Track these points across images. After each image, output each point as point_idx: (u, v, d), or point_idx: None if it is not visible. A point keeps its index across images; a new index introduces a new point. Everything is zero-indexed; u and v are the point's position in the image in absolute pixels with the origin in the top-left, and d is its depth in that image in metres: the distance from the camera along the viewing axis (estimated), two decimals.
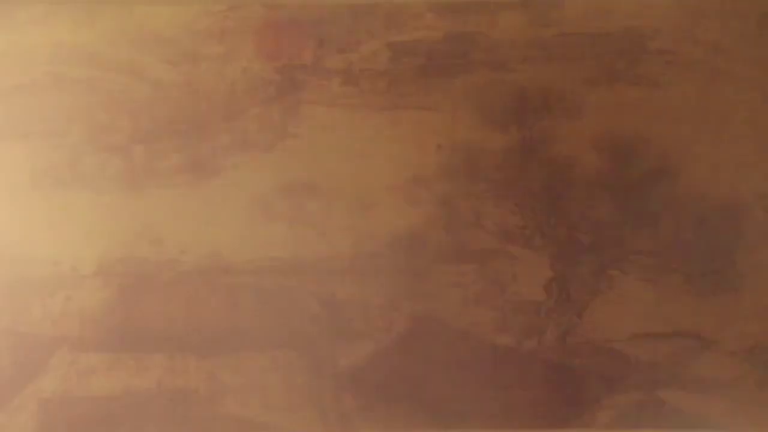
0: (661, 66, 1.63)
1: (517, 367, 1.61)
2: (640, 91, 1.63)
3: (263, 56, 1.66)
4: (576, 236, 1.62)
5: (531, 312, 1.62)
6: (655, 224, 1.62)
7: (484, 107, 1.64)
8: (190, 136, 1.65)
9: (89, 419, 1.61)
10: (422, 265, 1.63)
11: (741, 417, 1.60)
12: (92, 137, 1.65)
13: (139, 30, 1.66)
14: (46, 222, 1.64)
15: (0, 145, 1.65)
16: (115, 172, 1.65)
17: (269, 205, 1.64)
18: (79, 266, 1.64)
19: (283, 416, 1.62)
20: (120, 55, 1.66)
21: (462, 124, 1.64)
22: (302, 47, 1.66)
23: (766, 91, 1.63)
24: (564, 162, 1.63)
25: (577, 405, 1.61)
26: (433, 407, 1.61)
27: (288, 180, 1.64)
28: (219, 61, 1.66)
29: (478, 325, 1.62)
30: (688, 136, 1.63)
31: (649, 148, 1.63)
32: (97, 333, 1.63)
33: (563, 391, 1.61)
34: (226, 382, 1.62)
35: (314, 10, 1.66)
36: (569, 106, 1.63)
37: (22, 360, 1.62)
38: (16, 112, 1.66)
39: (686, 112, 1.63)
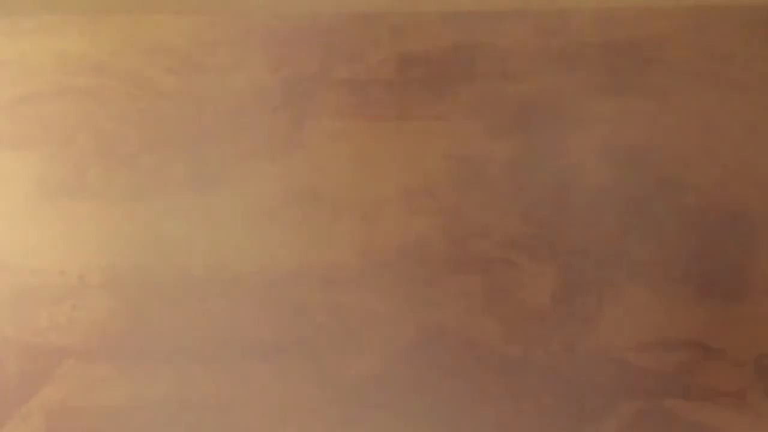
0: (668, 76, 1.63)
1: (523, 377, 1.61)
2: (647, 101, 1.63)
3: (269, 66, 1.66)
4: (582, 246, 1.62)
5: (537, 322, 1.62)
6: (662, 234, 1.62)
7: (490, 117, 1.64)
8: (196, 145, 1.65)
9: (96, 429, 1.62)
10: (429, 274, 1.63)
11: (747, 426, 1.60)
12: (98, 147, 1.66)
13: (146, 40, 1.66)
14: (53, 232, 1.64)
15: (5, 155, 1.65)
16: (122, 181, 1.65)
17: (276, 214, 1.64)
18: (86, 276, 1.64)
19: (288, 426, 1.62)
20: (126, 65, 1.66)
21: (469, 134, 1.64)
22: (308, 57, 1.66)
23: None
24: (570, 172, 1.63)
25: (583, 414, 1.61)
26: (439, 416, 1.62)
27: (295, 190, 1.64)
28: (225, 72, 1.66)
29: (484, 335, 1.62)
30: (695, 146, 1.63)
31: (655, 158, 1.63)
32: (103, 343, 1.63)
33: (569, 401, 1.61)
34: (232, 392, 1.62)
35: (320, 21, 1.66)
36: (576, 115, 1.63)
37: (28, 370, 1.62)
38: (22, 121, 1.66)
39: (693, 121, 1.63)
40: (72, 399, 1.62)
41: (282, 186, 1.64)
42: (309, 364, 1.62)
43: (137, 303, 1.64)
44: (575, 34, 1.65)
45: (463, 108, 1.64)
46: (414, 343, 1.62)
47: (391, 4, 1.62)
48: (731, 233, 1.62)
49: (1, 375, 1.62)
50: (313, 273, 1.63)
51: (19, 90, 1.66)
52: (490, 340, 1.62)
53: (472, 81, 1.64)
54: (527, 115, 1.64)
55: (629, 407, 1.61)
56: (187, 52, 1.66)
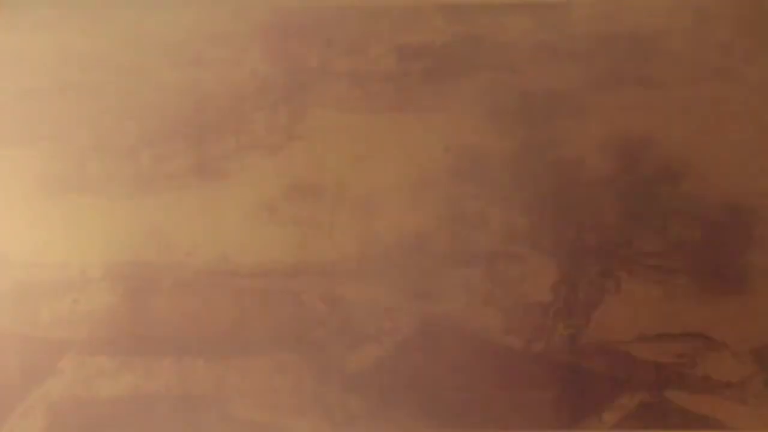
0: (667, 68, 1.64)
1: (524, 369, 1.61)
2: (647, 93, 1.63)
3: (270, 59, 1.66)
4: (583, 238, 1.63)
5: (538, 313, 1.62)
6: (662, 225, 1.62)
7: (491, 109, 1.64)
8: (196, 139, 1.65)
9: (97, 422, 1.61)
10: (429, 267, 1.63)
11: (748, 417, 1.60)
12: (99, 141, 1.66)
13: (146, 34, 1.66)
14: (54, 226, 1.64)
15: (8, 150, 1.65)
16: (123, 175, 1.65)
17: (276, 207, 1.64)
18: (87, 270, 1.64)
19: (290, 419, 1.62)
20: (127, 59, 1.66)
21: (469, 127, 1.64)
22: (309, 50, 1.66)
23: None
24: (571, 164, 1.63)
25: (585, 406, 1.61)
26: (441, 409, 1.61)
27: (295, 182, 1.64)
28: (225, 65, 1.66)
29: (485, 326, 1.62)
30: (694, 138, 1.63)
31: (656, 150, 1.63)
32: (104, 336, 1.63)
33: (570, 392, 1.61)
34: (233, 385, 1.62)
35: (321, 13, 1.66)
36: (576, 107, 1.64)
37: (30, 363, 1.62)
38: (24, 116, 1.66)
39: (693, 113, 1.63)
40: (73, 392, 1.62)
41: (282, 178, 1.64)
42: (309, 357, 1.62)
43: (138, 296, 1.63)
44: (575, 26, 1.65)
45: (464, 100, 1.64)
46: (415, 335, 1.62)
47: None
48: (732, 225, 1.62)
49: (3, 368, 1.62)
50: (314, 265, 1.63)
51: (20, 85, 1.66)
52: (491, 332, 1.62)
53: (472, 73, 1.64)
54: (528, 107, 1.64)
55: (630, 398, 1.60)
56: (187, 46, 1.66)
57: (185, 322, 1.63)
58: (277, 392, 1.62)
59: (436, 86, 1.64)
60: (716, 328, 1.61)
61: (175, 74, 1.66)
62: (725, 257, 1.62)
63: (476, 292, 1.62)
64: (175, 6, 1.67)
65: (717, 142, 1.63)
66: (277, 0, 1.65)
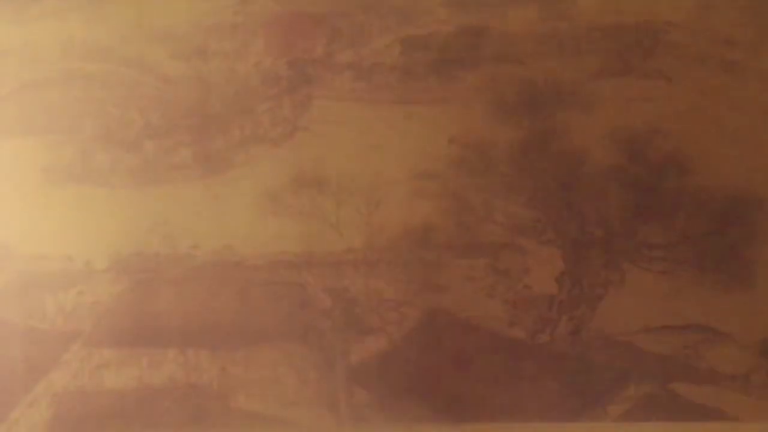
0: (673, 59, 1.63)
1: (529, 361, 1.61)
2: (653, 85, 1.63)
3: (274, 51, 1.66)
4: (588, 230, 1.62)
5: (543, 305, 1.62)
6: (668, 217, 1.62)
7: (495, 101, 1.64)
8: (201, 131, 1.65)
9: (102, 414, 1.62)
10: (434, 258, 1.63)
11: (753, 409, 1.60)
12: (104, 133, 1.66)
13: (151, 26, 1.66)
14: (59, 218, 1.65)
15: (12, 142, 1.66)
16: (127, 167, 1.65)
17: (281, 199, 1.64)
18: (92, 262, 1.64)
19: (295, 410, 1.62)
20: (131, 50, 1.66)
21: (474, 118, 1.64)
22: (313, 42, 1.66)
23: None
24: (576, 155, 1.63)
25: (589, 398, 1.61)
26: (445, 400, 1.62)
27: (299, 174, 1.64)
28: (230, 56, 1.66)
29: (490, 318, 1.62)
30: (700, 130, 1.63)
31: (661, 142, 1.63)
32: (109, 328, 1.63)
33: (575, 384, 1.61)
34: (238, 377, 1.62)
35: (325, 5, 1.66)
36: (581, 99, 1.63)
37: (35, 355, 1.63)
38: (29, 108, 1.66)
39: (698, 105, 1.63)
40: (78, 383, 1.62)
41: (287, 170, 1.64)
42: (314, 348, 1.62)
43: (143, 288, 1.64)
44: (581, 18, 1.64)
45: (468, 92, 1.64)
46: (420, 327, 1.62)
47: None
48: (737, 217, 1.62)
49: (8, 360, 1.63)
50: (319, 257, 1.63)
51: (24, 76, 1.67)
52: (495, 324, 1.62)
53: (477, 65, 1.64)
54: (532, 99, 1.64)
55: (635, 390, 1.60)
56: (191, 37, 1.66)
57: (190, 313, 1.63)
58: (281, 383, 1.62)
59: (441, 78, 1.64)
60: (721, 320, 1.61)
61: (179, 66, 1.66)
62: (730, 249, 1.62)
63: (481, 284, 1.62)
64: None
65: (722, 134, 1.63)
66: None
